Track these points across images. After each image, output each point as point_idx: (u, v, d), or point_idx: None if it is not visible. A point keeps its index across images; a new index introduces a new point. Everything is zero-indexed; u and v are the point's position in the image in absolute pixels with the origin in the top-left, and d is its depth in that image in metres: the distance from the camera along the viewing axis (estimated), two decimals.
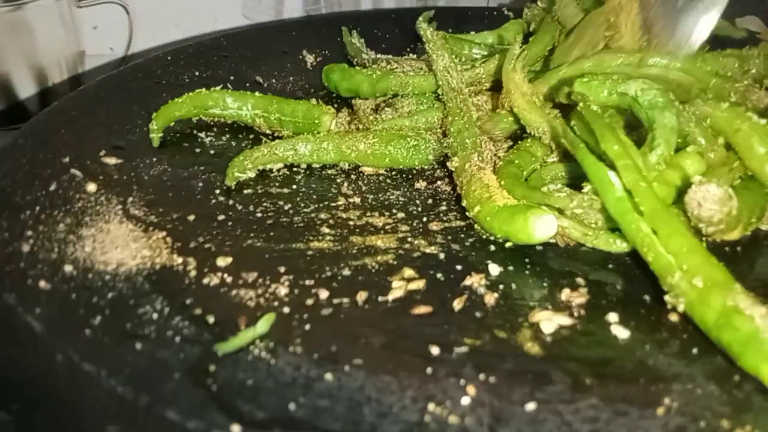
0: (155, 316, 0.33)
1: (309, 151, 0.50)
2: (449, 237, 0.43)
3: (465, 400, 0.29)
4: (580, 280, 0.39)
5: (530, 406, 0.29)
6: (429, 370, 0.31)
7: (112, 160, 0.48)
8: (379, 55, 0.67)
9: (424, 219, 0.46)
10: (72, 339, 0.31)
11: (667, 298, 0.34)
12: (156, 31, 0.93)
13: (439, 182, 0.51)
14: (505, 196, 0.42)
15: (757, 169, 0.42)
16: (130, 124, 0.54)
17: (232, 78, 0.64)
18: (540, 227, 0.38)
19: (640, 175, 0.36)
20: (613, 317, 0.36)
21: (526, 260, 0.40)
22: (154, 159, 0.51)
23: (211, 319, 0.34)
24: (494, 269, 0.40)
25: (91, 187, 0.45)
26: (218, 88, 0.56)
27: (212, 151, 0.53)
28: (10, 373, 0.30)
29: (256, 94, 0.56)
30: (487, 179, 0.43)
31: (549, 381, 0.31)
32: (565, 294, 0.38)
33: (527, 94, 0.47)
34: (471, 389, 0.30)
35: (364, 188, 0.50)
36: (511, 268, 0.40)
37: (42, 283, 0.34)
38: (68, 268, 0.36)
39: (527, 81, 0.48)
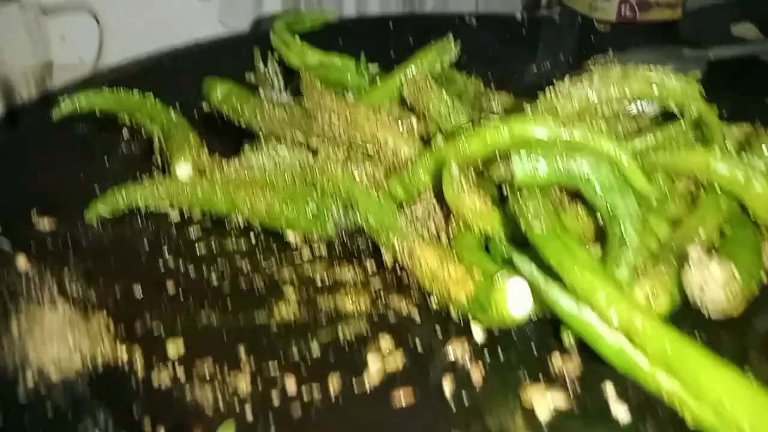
0: None
1: (200, 197, 0.45)
2: (427, 291, 0.40)
3: None
4: (567, 339, 0.36)
5: None
6: None
7: (44, 223, 0.43)
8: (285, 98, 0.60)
9: (398, 269, 0.42)
10: None
11: None
12: (129, 40, 0.88)
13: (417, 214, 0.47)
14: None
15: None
16: (66, 175, 0.49)
17: (178, 106, 0.59)
18: (514, 297, 0.34)
19: (627, 303, 0.30)
20: (610, 389, 0.33)
21: None
22: None
23: None
24: (477, 332, 0.37)
25: (21, 260, 0.40)
26: None
27: None
28: None
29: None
30: (430, 262, 0.38)
31: None
32: (556, 360, 0.35)
33: (486, 211, 0.39)
34: None
35: None
36: (494, 329, 0.37)
37: None
38: None
39: (480, 193, 0.40)
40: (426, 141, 0.52)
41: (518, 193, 0.39)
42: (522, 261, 0.35)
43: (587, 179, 0.38)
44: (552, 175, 0.39)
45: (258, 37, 0.69)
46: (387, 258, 0.42)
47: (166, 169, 0.50)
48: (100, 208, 0.45)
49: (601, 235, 0.40)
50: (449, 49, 0.52)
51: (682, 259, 0.35)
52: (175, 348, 0.35)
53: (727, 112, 0.52)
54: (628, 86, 0.40)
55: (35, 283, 0.38)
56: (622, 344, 0.31)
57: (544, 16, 0.74)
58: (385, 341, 0.36)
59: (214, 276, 0.41)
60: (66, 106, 0.54)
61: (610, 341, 0.31)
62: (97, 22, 0.82)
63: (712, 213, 0.41)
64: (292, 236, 0.45)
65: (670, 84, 0.40)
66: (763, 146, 0.42)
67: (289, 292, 0.40)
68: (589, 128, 0.39)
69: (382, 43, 0.72)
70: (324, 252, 0.44)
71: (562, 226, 0.36)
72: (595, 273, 0.32)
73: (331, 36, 0.72)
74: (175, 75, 0.64)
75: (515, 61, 0.67)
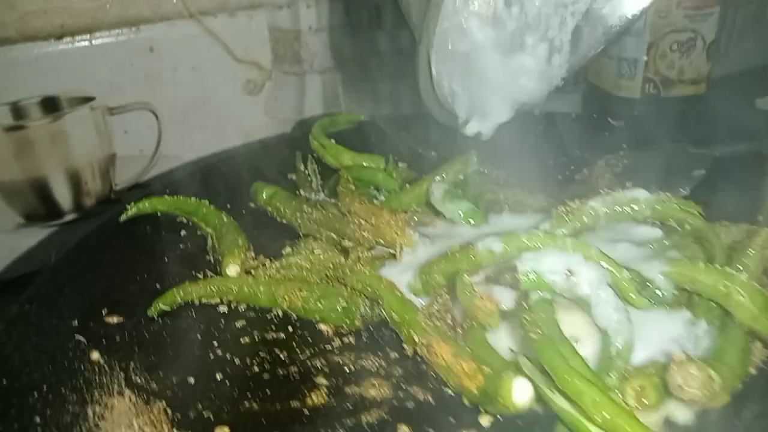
0: None
1: (245, 293, 0.52)
2: (442, 379, 0.45)
3: None
4: None
5: None
6: None
7: (113, 320, 0.50)
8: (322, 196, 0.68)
9: (418, 359, 0.48)
10: None
11: None
12: (184, 132, 0.98)
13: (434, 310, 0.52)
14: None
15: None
16: (131, 274, 0.56)
17: (228, 206, 0.67)
18: (518, 393, 0.39)
19: (611, 406, 0.35)
20: None
21: None
22: None
23: None
24: (485, 421, 0.41)
25: (95, 355, 0.46)
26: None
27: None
28: None
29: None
30: (445, 356, 0.43)
31: None
32: None
33: (491, 308, 0.45)
34: None
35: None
36: (500, 417, 0.41)
37: None
38: None
39: (488, 296, 0.45)
40: None
41: (524, 299, 0.44)
42: (525, 363, 0.40)
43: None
44: (553, 285, 0.44)
45: (299, 139, 0.77)
46: (408, 349, 0.48)
47: (217, 266, 0.57)
48: (161, 305, 0.52)
49: None
50: (472, 162, 0.59)
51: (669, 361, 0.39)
52: None
53: (732, 207, 0.56)
54: (633, 209, 0.47)
55: (107, 374, 0.45)
56: None
57: (560, 113, 0.80)
58: (403, 429, 0.41)
59: (255, 365, 0.47)
60: (132, 210, 0.62)
61: None
62: (156, 117, 0.89)
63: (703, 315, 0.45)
64: (324, 328, 0.51)
65: (671, 207, 0.46)
66: (750, 250, 0.46)
67: (321, 380, 0.46)
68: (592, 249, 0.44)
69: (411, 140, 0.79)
70: (353, 342, 0.50)
71: (559, 333, 0.41)
72: (583, 380, 0.37)
73: (367, 134, 0.80)
74: (228, 175, 0.72)
75: (531, 156, 0.73)
